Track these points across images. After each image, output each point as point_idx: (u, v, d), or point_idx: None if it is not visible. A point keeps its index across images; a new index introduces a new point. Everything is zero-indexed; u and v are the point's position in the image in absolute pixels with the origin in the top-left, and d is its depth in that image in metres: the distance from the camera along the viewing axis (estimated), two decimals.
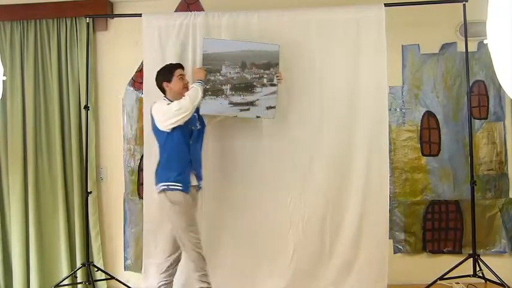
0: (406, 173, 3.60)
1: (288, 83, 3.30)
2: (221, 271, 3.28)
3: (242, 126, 3.34)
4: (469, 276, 3.24)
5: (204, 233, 3.12)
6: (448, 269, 3.24)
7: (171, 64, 3.11)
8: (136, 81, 3.77)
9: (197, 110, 3.04)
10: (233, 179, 3.37)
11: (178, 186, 2.87)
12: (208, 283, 2.87)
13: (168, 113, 2.85)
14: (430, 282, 3.26)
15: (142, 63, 3.53)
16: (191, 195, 2.95)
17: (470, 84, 3.41)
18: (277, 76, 3.16)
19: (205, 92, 3.05)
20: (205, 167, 3.13)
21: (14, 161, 3.73)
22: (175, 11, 3.71)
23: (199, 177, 3.02)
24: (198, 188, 3.05)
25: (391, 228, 3.39)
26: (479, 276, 3.22)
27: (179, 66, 3.09)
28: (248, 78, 3.14)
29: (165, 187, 2.88)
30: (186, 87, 3.02)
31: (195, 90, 2.94)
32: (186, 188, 2.89)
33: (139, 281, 3.57)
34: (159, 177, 2.94)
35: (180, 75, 3.04)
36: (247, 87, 3.14)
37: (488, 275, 3.18)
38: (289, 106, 3.34)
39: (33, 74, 3.76)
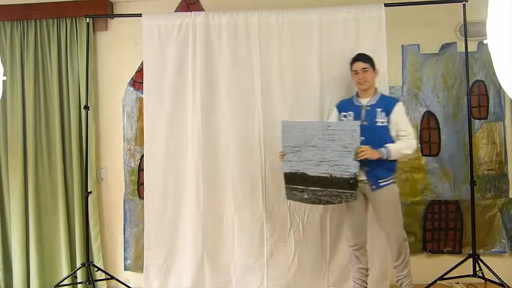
0: (406, 173, 3.59)
1: (288, 83, 3.33)
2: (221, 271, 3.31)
3: None
4: (469, 276, 3.25)
5: None
6: (448, 269, 3.25)
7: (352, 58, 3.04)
8: (136, 81, 3.77)
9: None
10: None
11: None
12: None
13: None
14: (430, 282, 3.27)
15: (142, 63, 3.53)
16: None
17: (470, 84, 3.41)
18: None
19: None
20: None
21: (14, 161, 3.73)
22: (175, 11, 3.71)
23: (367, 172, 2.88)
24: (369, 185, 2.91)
25: None
26: (479, 276, 3.23)
27: (356, 60, 2.99)
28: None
29: None
30: (359, 82, 2.97)
31: None
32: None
33: (139, 281, 3.58)
34: None
35: (355, 70, 2.98)
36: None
37: (488, 275, 3.19)
38: (290, 105, 3.35)
39: (33, 74, 3.76)
